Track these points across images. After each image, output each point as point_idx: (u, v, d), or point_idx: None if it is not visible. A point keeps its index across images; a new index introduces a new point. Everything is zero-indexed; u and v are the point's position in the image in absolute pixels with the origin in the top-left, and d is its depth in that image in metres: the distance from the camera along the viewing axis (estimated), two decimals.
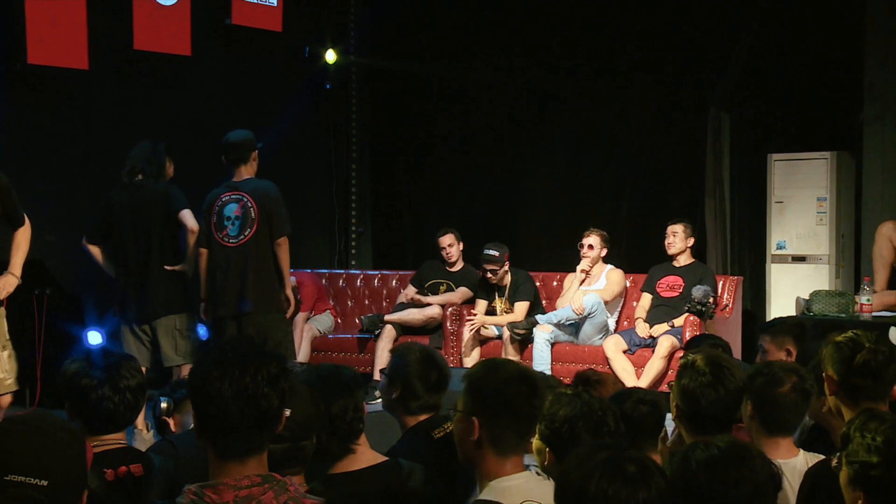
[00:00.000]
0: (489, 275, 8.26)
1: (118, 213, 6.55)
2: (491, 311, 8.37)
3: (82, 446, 2.19)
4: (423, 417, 3.62)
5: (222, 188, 6.56)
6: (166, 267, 6.54)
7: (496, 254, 8.20)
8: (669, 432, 3.41)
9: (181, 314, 6.50)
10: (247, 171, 6.53)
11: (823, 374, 3.20)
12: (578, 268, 8.23)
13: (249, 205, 6.41)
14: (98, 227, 6.65)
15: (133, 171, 6.56)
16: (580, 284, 8.20)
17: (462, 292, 8.58)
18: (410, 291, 8.77)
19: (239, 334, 6.32)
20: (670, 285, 8.03)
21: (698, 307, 7.55)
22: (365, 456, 3.04)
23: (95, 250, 6.67)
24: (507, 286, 8.35)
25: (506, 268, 8.27)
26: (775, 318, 5.74)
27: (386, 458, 3.07)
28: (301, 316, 8.39)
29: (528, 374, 2.75)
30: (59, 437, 2.14)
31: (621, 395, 3.67)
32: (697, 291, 7.62)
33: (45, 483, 2.07)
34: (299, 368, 3.76)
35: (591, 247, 8.19)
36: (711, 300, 7.61)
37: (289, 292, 6.54)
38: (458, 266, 8.71)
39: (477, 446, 2.65)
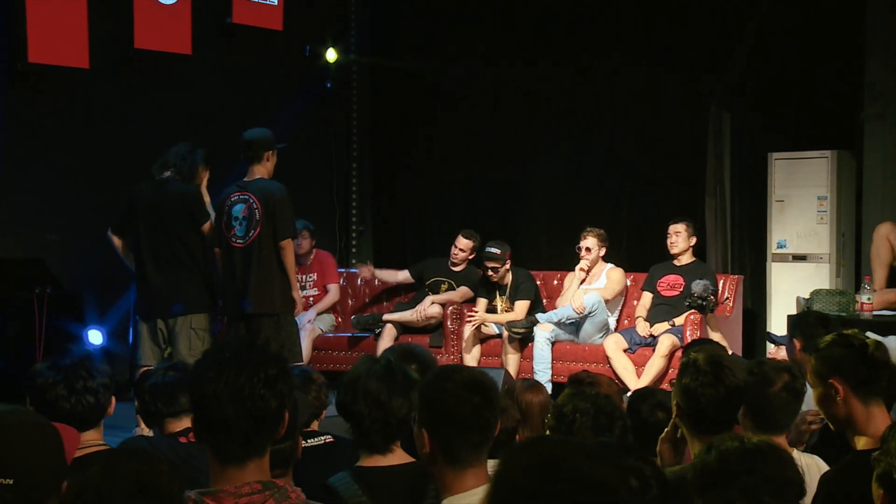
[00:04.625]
0: (490, 272, 8.25)
1: (140, 207, 6.44)
2: (492, 310, 8.35)
3: (56, 441, 2.13)
4: None
5: (233, 187, 6.51)
6: None
7: (498, 251, 8.19)
8: None
9: (198, 314, 6.37)
10: (259, 171, 6.47)
11: (830, 381, 3.07)
12: (577, 267, 8.23)
13: (255, 205, 6.38)
14: (123, 219, 6.52)
15: (164, 166, 6.47)
16: (580, 283, 8.20)
17: (462, 291, 8.57)
18: (401, 275, 8.90)
19: (246, 335, 6.32)
20: (671, 284, 8.02)
21: (698, 301, 7.54)
22: (396, 455, 3.04)
23: (118, 242, 6.54)
24: (508, 284, 8.34)
25: (507, 266, 8.26)
26: (805, 312, 5.57)
27: (414, 460, 3.01)
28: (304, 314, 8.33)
29: (481, 384, 2.58)
30: (26, 434, 2.08)
31: (641, 395, 3.67)
32: (697, 286, 7.60)
33: (10, 482, 2.01)
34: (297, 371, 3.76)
35: (588, 249, 8.18)
36: (711, 295, 7.61)
37: (295, 294, 6.47)
38: (462, 266, 8.71)
39: (431, 460, 2.53)
